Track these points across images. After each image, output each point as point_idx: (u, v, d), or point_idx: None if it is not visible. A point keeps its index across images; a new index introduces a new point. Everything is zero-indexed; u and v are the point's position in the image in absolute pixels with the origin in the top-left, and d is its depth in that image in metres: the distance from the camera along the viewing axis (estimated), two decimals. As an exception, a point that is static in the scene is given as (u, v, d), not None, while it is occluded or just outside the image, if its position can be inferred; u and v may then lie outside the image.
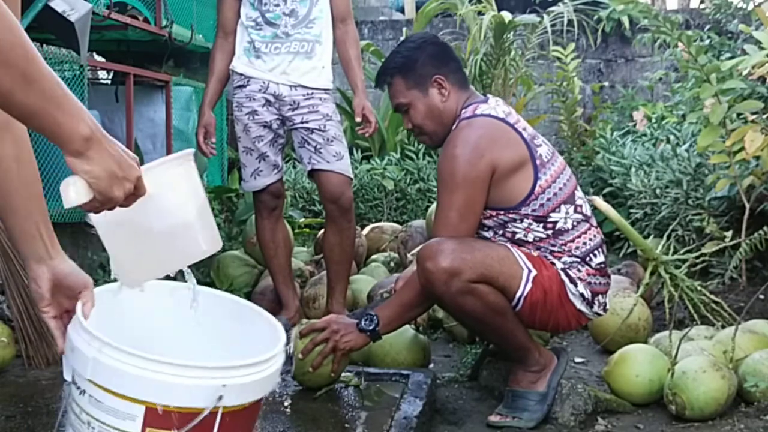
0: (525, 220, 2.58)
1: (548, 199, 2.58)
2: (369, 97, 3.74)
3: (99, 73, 5.31)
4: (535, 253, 2.58)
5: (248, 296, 4.05)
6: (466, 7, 6.71)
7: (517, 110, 6.48)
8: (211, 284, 4.15)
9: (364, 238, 4.51)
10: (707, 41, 4.95)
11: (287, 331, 3.47)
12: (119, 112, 4.58)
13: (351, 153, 5.88)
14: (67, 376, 1.57)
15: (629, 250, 4.55)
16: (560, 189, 2.61)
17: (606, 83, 8.30)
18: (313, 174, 3.55)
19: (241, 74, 3.54)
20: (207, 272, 4.27)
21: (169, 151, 4.58)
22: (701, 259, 3.23)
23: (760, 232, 3.24)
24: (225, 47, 3.58)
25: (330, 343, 2.53)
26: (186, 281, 1.67)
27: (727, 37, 5.30)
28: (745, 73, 3.63)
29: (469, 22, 6.73)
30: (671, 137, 5.19)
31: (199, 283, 1.69)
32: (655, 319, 3.42)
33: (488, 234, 2.64)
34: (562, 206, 2.60)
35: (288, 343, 2.67)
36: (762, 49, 3.41)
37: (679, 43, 3.89)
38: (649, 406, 2.75)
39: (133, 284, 1.58)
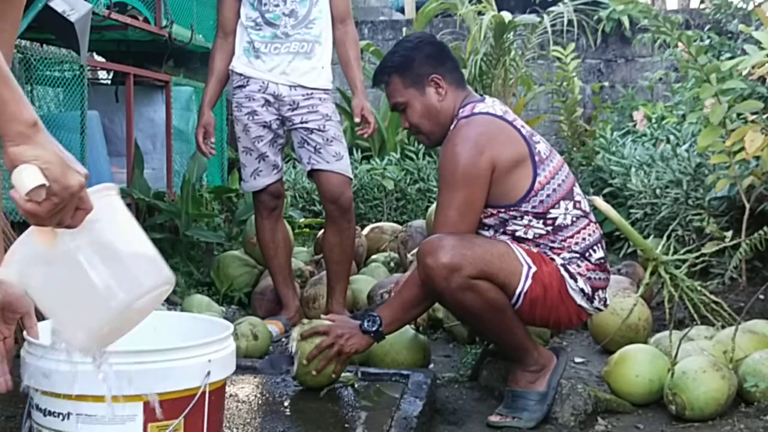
0: (525, 216, 2.58)
1: (548, 195, 2.58)
2: (369, 98, 3.75)
3: (99, 73, 5.31)
4: (534, 250, 2.58)
5: (248, 296, 4.06)
6: (466, 7, 6.72)
7: (517, 110, 6.55)
8: (211, 284, 4.16)
9: (364, 238, 4.51)
10: (707, 41, 4.95)
11: (287, 330, 3.47)
12: (119, 112, 4.58)
13: (351, 153, 5.88)
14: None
15: (629, 250, 4.55)
16: (559, 185, 2.62)
17: (606, 83, 8.30)
18: (312, 174, 3.55)
19: (241, 74, 3.54)
20: (207, 272, 4.27)
21: (169, 151, 4.59)
22: (701, 259, 3.23)
23: (760, 232, 3.24)
24: (225, 47, 3.58)
25: (335, 348, 2.52)
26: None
27: (727, 37, 5.30)
28: (745, 73, 3.63)
29: (469, 22, 6.73)
30: (671, 137, 5.19)
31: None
32: (655, 319, 3.42)
33: (488, 233, 2.64)
34: (561, 202, 2.60)
35: (288, 342, 2.67)
36: (762, 49, 3.41)
37: (679, 43, 3.89)
38: (649, 406, 2.75)
39: (87, 350, 1.43)
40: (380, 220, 5.53)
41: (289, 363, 2.59)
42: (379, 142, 6.60)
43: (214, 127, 3.67)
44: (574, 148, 6.56)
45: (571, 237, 2.61)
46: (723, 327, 3.03)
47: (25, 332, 1.41)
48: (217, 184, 5.04)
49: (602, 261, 2.66)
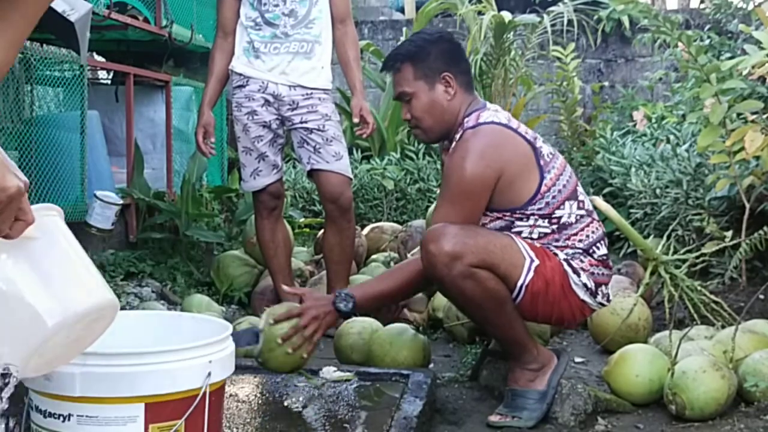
0: (531, 217, 2.60)
1: (553, 197, 2.60)
2: (368, 98, 3.75)
3: (99, 73, 5.31)
4: (538, 245, 2.59)
5: (248, 296, 4.06)
6: (466, 7, 6.72)
7: (517, 110, 6.56)
8: (211, 284, 4.16)
9: (364, 238, 4.51)
10: (707, 41, 4.96)
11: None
12: (119, 112, 4.58)
13: (351, 153, 5.88)
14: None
15: (629, 250, 4.55)
16: (564, 186, 2.63)
17: (606, 83, 8.30)
18: (312, 174, 3.55)
19: (241, 74, 3.54)
20: (207, 272, 4.27)
21: (169, 151, 4.59)
22: (701, 259, 3.23)
23: (760, 232, 3.24)
24: (224, 47, 3.58)
25: (311, 328, 2.49)
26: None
27: (727, 37, 5.30)
28: (745, 73, 3.63)
29: (469, 22, 6.73)
30: (671, 137, 5.19)
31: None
32: (655, 319, 3.42)
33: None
34: (566, 202, 2.62)
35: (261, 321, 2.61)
36: (762, 49, 3.41)
37: (679, 43, 3.89)
38: (649, 406, 2.75)
39: (36, 371, 1.39)
40: (380, 220, 5.53)
41: (254, 340, 2.52)
42: (379, 142, 6.60)
43: (214, 127, 3.67)
44: (574, 148, 6.56)
45: (575, 235, 2.62)
46: (723, 327, 3.03)
47: None
48: (217, 184, 5.04)
49: (605, 257, 2.67)
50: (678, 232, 4.20)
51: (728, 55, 4.63)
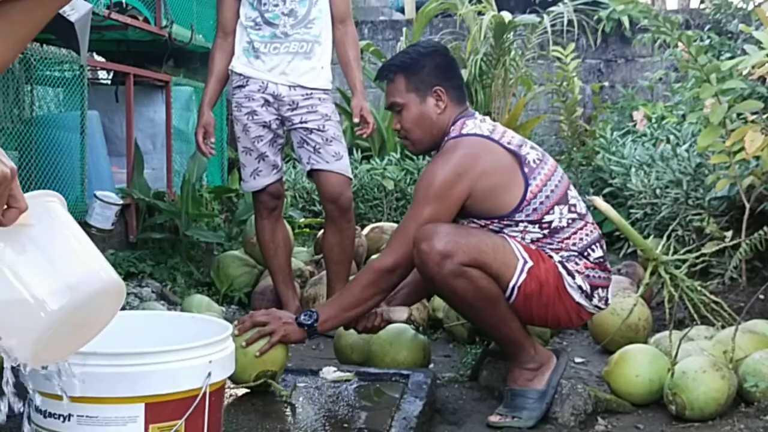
0: (520, 224, 2.59)
1: (541, 203, 2.59)
2: (368, 98, 3.75)
3: (99, 73, 5.31)
4: (533, 247, 2.59)
5: (248, 296, 4.06)
6: (466, 7, 6.72)
7: (517, 110, 6.55)
8: (211, 284, 4.16)
9: (364, 238, 4.51)
10: (707, 41, 4.96)
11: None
12: (119, 112, 4.58)
13: (351, 153, 5.88)
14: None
15: (629, 250, 4.55)
16: (552, 191, 2.62)
17: (606, 83, 8.30)
18: (312, 174, 3.55)
19: (240, 74, 3.54)
20: (207, 272, 4.27)
21: (169, 151, 4.59)
22: (701, 259, 3.23)
23: (760, 232, 3.24)
24: (224, 47, 3.58)
25: (270, 327, 2.50)
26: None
27: (727, 37, 5.30)
28: (745, 73, 3.63)
29: (469, 22, 6.74)
30: (671, 137, 5.19)
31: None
32: (655, 319, 3.42)
33: None
34: (556, 207, 2.61)
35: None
36: (762, 49, 3.41)
37: (679, 43, 3.89)
38: (649, 406, 2.75)
39: (35, 363, 1.38)
40: (380, 220, 5.53)
41: None
42: (379, 142, 6.60)
43: (214, 127, 3.67)
44: (574, 148, 6.56)
45: (568, 238, 2.61)
46: (723, 327, 3.03)
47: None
48: (217, 184, 5.04)
49: (602, 260, 2.66)
50: (678, 232, 4.20)
51: (728, 55, 4.63)
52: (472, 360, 3.08)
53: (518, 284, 2.52)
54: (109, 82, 5.27)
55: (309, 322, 2.55)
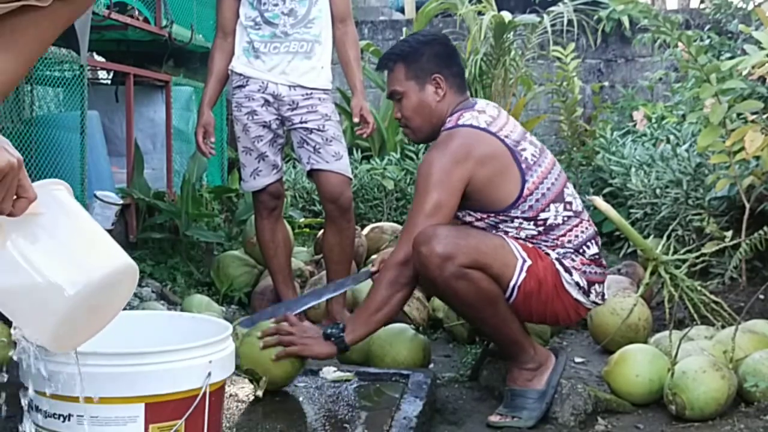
0: (515, 220, 2.60)
1: (537, 200, 2.60)
2: (368, 98, 3.75)
3: (99, 73, 5.31)
4: (529, 245, 2.59)
5: (248, 296, 4.06)
6: (466, 7, 6.72)
7: (517, 110, 6.55)
8: (211, 284, 4.16)
9: (364, 238, 4.51)
10: (707, 41, 4.96)
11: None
12: (119, 112, 4.58)
13: (351, 153, 5.88)
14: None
15: (629, 250, 4.55)
16: (548, 189, 2.62)
17: (606, 83, 8.30)
18: (312, 174, 3.55)
19: (240, 74, 3.54)
20: (207, 272, 4.27)
21: (169, 151, 4.59)
22: (701, 259, 3.23)
23: (760, 232, 3.24)
24: (224, 47, 3.58)
25: (296, 344, 2.49)
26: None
27: (727, 37, 5.30)
28: (745, 73, 3.63)
29: (469, 22, 6.73)
30: (671, 137, 5.19)
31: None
32: (655, 319, 3.42)
33: None
34: (551, 205, 2.61)
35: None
36: (762, 49, 3.41)
37: (679, 43, 3.89)
38: (649, 406, 2.75)
39: (55, 349, 1.40)
40: (380, 220, 5.53)
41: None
42: (379, 142, 6.60)
43: (213, 127, 3.66)
44: (574, 148, 6.55)
45: (563, 235, 2.62)
46: (723, 327, 3.03)
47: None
48: (217, 184, 5.04)
49: (597, 256, 2.67)
50: (678, 232, 4.20)
51: (728, 55, 4.63)
52: (472, 360, 3.08)
53: (518, 283, 2.52)
54: (109, 82, 5.27)
55: (336, 333, 2.53)
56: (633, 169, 5.00)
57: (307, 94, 3.49)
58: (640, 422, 2.65)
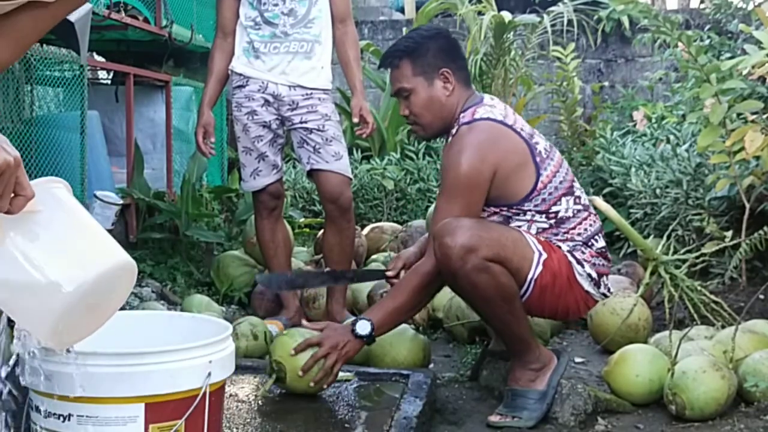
0: (528, 213, 2.63)
1: (550, 194, 2.62)
2: (368, 98, 3.75)
3: (99, 73, 5.31)
4: (542, 238, 2.61)
5: (248, 296, 4.06)
6: (466, 7, 6.72)
7: (517, 110, 6.51)
8: (211, 284, 4.16)
9: (364, 238, 4.51)
10: (707, 41, 4.95)
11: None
12: (119, 112, 4.58)
13: (351, 153, 5.88)
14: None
15: (629, 250, 4.55)
16: (560, 182, 2.65)
17: (606, 83, 8.30)
18: (312, 174, 3.55)
19: (240, 74, 3.53)
20: (207, 272, 4.27)
21: (169, 151, 4.58)
22: (701, 259, 3.24)
23: (760, 232, 3.24)
24: (224, 47, 3.58)
25: (332, 358, 2.48)
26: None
27: (727, 37, 5.30)
28: (745, 73, 3.63)
29: (469, 22, 6.73)
30: (671, 137, 5.19)
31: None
32: (655, 319, 3.42)
33: None
34: (563, 198, 2.64)
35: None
36: (762, 49, 3.41)
37: (679, 43, 3.89)
38: (649, 406, 2.75)
39: (55, 346, 1.41)
40: (380, 220, 5.53)
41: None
42: (379, 142, 6.60)
43: (214, 127, 3.66)
44: (574, 148, 6.56)
45: (573, 228, 2.65)
46: (723, 327, 3.03)
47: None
48: (217, 184, 5.04)
49: (604, 249, 2.72)
50: (678, 232, 4.20)
51: (728, 55, 4.63)
52: (472, 360, 3.08)
53: (535, 277, 2.54)
54: (109, 82, 5.27)
55: (367, 332, 2.52)
56: (633, 169, 5.00)
57: (307, 94, 3.49)
58: (640, 422, 2.64)
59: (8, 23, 1.20)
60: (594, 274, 2.64)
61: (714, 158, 3.67)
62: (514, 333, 2.59)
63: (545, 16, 6.92)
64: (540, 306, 2.61)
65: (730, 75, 3.54)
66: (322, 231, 3.88)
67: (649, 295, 3.58)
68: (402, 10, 10.02)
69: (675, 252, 3.10)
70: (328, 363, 2.47)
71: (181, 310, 3.54)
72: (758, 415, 2.60)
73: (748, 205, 3.55)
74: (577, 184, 2.73)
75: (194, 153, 4.26)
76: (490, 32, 6.38)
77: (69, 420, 1.49)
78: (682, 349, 2.71)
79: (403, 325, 3.03)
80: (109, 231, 3.99)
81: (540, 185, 2.60)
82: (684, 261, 3.07)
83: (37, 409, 1.57)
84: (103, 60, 5.00)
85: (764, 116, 3.52)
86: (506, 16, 6.34)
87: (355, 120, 3.59)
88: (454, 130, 2.69)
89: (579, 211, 2.67)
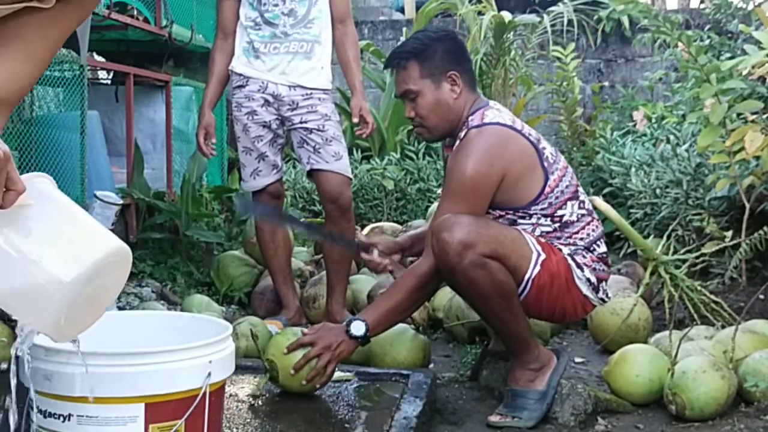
0: (533, 216, 2.63)
1: (556, 198, 2.63)
2: (368, 98, 3.75)
3: (99, 73, 5.30)
4: (543, 240, 2.61)
5: (248, 296, 4.06)
6: (466, 7, 6.72)
7: (517, 110, 6.56)
8: (211, 284, 4.16)
9: (364, 238, 4.50)
10: (707, 41, 4.96)
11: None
12: (119, 112, 4.58)
13: (351, 153, 5.88)
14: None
15: (629, 250, 4.55)
16: (566, 187, 2.66)
17: (606, 83, 8.30)
18: (312, 174, 3.55)
19: (240, 74, 3.54)
20: (207, 272, 4.27)
21: (169, 151, 4.58)
22: (701, 259, 3.24)
23: (760, 232, 3.24)
24: (225, 48, 3.58)
25: (325, 358, 2.48)
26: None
27: (727, 37, 5.30)
28: (745, 73, 3.63)
29: (469, 22, 6.73)
30: (671, 137, 5.19)
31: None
32: (655, 319, 3.42)
33: None
34: (568, 203, 2.64)
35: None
36: (762, 49, 3.41)
37: (679, 43, 3.89)
38: (649, 406, 2.75)
39: (58, 339, 1.41)
40: (380, 220, 5.53)
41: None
42: (379, 142, 6.60)
43: (215, 127, 3.67)
44: (574, 148, 6.55)
45: (576, 233, 2.66)
46: (723, 327, 3.03)
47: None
48: (217, 184, 5.04)
49: (605, 255, 2.72)
50: (678, 232, 4.20)
51: (728, 55, 4.63)
52: (472, 360, 3.08)
53: (533, 276, 2.54)
54: (109, 82, 5.27)
55: (362, 333, 2.52)
56: (633, 169, 5.00)
57: (307, 94, 3.49)
58: (640, 422, 2.65)
59: (12, 34, 1.20)
60: (593, 279, 2.64)
61: (714, 158, 3.67)
62: (513, 332, 2.59)
63: (545, 16, 6.92)
64: (537, 307, 2.61)
65: (730, 75, 3.54)
66: (322, 231, 3.88)
67: (649, 295, 3.58)
68: (402, 10, 10.01)
69: (675, 252, 3.10)
70: (321, 363, 2.47)
71: (181, 310, 3.54)
72: (758, 415, 2.60)
73: (748, 205, 3.55)
74: (581, 189, 2.73)
75: (194, 153, 4.26)
76: (490, 32, 6.38)
77: (69, 420, 1.49)
78: (682, 349, 2.71)
79: (404, 325, 3.03)
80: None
81: (547, 189, 2.61)
82: (684, 261, 3.07)
83: (38, 409, 1.57)
84: (103, 60, 5.00)
85: (764, 116, 3.52)
86: (506, 16, 6.34)
87: (355, 120, 3.59)
88: (462, 134, 2.67)
89: (583, 215, 2.67)
